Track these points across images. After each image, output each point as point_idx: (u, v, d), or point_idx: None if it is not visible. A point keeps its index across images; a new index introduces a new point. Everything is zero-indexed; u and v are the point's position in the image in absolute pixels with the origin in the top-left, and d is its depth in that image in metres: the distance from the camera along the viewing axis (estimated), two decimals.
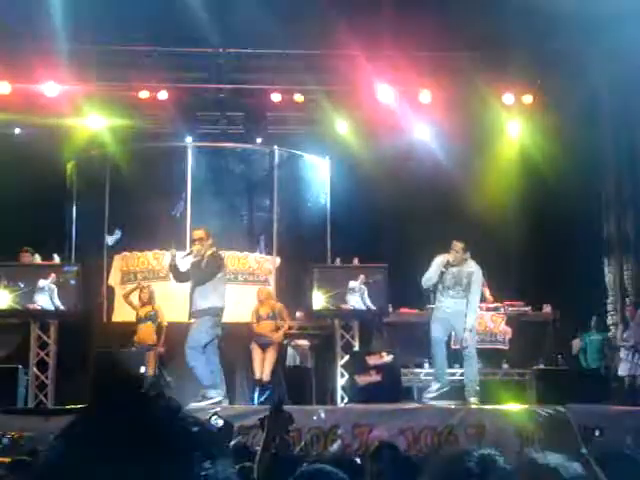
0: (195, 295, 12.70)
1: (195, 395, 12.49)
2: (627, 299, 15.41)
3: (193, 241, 13.17)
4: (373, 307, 13.78)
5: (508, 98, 16.06)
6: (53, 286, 13.58)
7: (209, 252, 12.80)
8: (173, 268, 13.19)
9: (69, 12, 14.28)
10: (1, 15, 14.30)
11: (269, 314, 13.78)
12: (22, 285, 13.79)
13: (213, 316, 12.64)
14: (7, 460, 7.96)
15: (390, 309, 14.21)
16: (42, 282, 13.58)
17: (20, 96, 16.01)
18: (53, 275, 13.70)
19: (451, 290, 12.57)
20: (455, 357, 13.38)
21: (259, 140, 17.35)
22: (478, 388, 12.42)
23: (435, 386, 12.51)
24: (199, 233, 13.07)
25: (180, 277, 13.23)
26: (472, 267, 12.65)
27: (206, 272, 12.66)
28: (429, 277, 12.65)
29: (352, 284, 13.82)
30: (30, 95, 16.04)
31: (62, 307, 13.77)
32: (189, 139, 16.91)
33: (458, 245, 12.66)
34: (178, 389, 13.56)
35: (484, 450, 2.02)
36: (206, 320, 12.59)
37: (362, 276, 13.80)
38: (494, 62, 15.27)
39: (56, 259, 14.63)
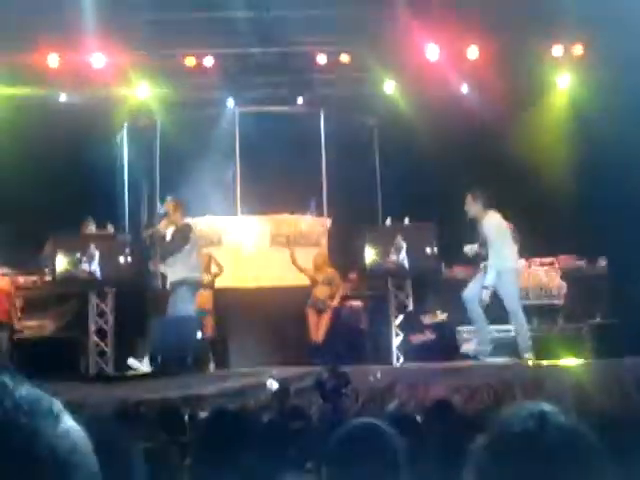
0: (167, 267, 12.91)
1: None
2: None
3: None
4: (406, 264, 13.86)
5: (557, 50, 15.87)
6: (96, 252, 13.71)
7: (178, 224, 13.13)
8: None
9: None
10: None
11: (324, 280, 13.86)
12: (78, 255, 14.00)
13: (189, 286, 12.92)
14: None
15: (443, 267, 14.22)
16: (92, 250, 13.79)
17: (68, 68, 16.09)
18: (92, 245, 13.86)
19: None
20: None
21: (304, 102, 17.22)
22: (530, 343, 12.35)
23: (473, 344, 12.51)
24: (167, 205, 13.42)
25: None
26: (485, 220, 12.51)
27: (172, 244, 12.90)
28: (466, 246, 12.69)
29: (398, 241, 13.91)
30: (78, 67, 16.13)
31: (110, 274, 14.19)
32: (233, 104, 16.99)
33: (468, 198, 12.63)
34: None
35: (544, 406, 1.97)
36: (184, 290, 12.87)
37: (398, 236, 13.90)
38: (543, 13, 14.98)
39: (110, 229, 14.90)
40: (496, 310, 12.74)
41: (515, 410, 2.05)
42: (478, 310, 12.47)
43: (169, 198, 13.65)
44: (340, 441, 3.18)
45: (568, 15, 14.64)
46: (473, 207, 12.64)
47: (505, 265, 12.53)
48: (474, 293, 12.44)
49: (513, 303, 12.46)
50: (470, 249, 12.76)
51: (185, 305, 12.97)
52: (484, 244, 12.53)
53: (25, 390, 1.38)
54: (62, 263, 14.13)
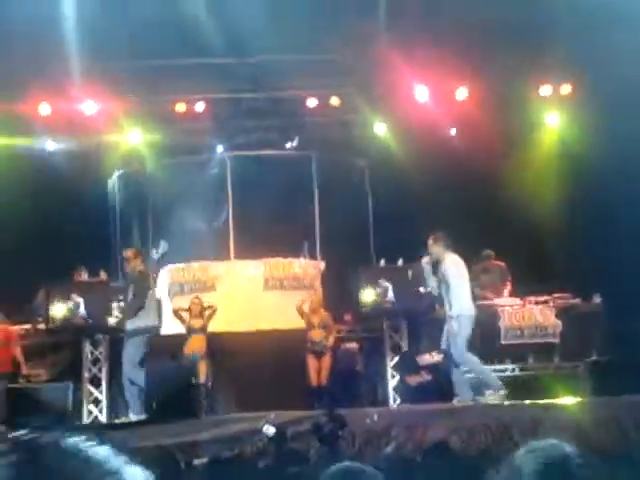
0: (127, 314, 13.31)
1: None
2: None
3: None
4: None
5: (545, 89, 16.06)
6: (79, 299, 13.74)
7: (136, 272, 13.28)
8: None
9: (101, 31, 14.33)
10: (35, 38, 14.40)
11: (320, 323, 13.93)
12: (71, 304, 14.04)
13: (142, 335, 13.17)
14: None
15: (437, 307, 14.25)
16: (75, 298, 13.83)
17: (60, 116, 16.24)
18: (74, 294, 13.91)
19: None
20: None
21: (295, 145, 17.33)
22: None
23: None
24: (127, 253, 13.58)
25: None
26: (445, 261, 12.53)
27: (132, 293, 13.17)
28: (429, 285, 12.71)
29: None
30: (70, 114, 16.28)
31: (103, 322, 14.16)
32: (222, 149, 17.17)
33: (430, 240, 12.67)
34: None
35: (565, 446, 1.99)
36: (137, 339, 13.11)
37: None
38: (530, 53, 15.12)
39: (102, 275, 14.85)
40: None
41: (530, 449, 2.05)
42: (472, 358, 12.51)
43: (127, 249, 13.88)
44: None
45: (556, 55, 14.91)
46: (434, 249, 12.66)
47: (463, 311, 12.53)
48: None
49: (463, 347, 12.42)
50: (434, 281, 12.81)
51: (139, 350, 13.24)
52: (441, 285, 12.57)
53: (94, 450, 1.56)
54: (55, 311, 14.13)
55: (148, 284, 13.48)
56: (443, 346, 12.63)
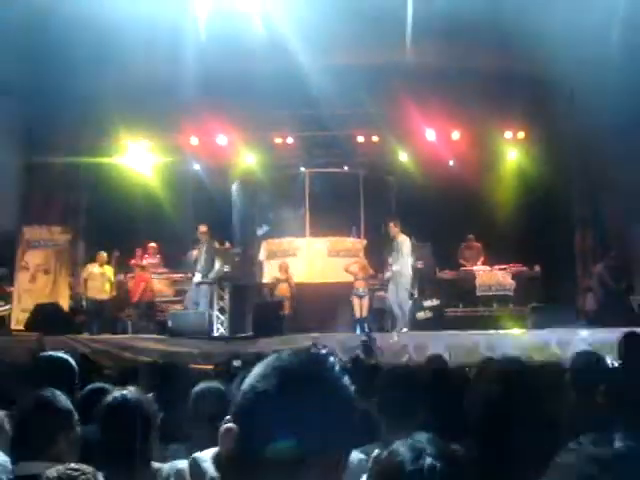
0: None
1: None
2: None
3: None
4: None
5: (507, 134, 15.95)
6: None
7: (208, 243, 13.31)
8: None
9: (230, 87, 14.17)
10: (184, 88, 14.60)
11: (363, 277, 13.97)
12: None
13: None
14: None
15: (437, 271, 14.43)
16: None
17: (202, 145, 16.43)
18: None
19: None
20: None
21: (348, 167, 17.44)
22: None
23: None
24: (202, 228, 13.43)
25: None
26: (400, 239, 12.79)
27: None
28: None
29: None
30: (209, 144, 16.41)
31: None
32: (304, 168, 17.13)
33: (391, 224, 12.97)
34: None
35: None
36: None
37: None
38: (499, 109, 14.92)
39: (227, 244, 15.09)
40: None
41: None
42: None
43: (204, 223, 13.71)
44: None
45: (516, 110, 14.67)
46: (394, 229, 12.84)
47: (404, 269, 12.76)
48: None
49: (403, 294, 12.75)
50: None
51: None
52: (394, 254, 12.76)
53: None
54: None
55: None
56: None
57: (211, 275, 13.48)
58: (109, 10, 11.62)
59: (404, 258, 12.76)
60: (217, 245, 14.62)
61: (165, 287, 14.74)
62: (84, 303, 13.94)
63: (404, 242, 12.81)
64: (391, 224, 12.94)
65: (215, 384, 3.71)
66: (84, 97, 14.05)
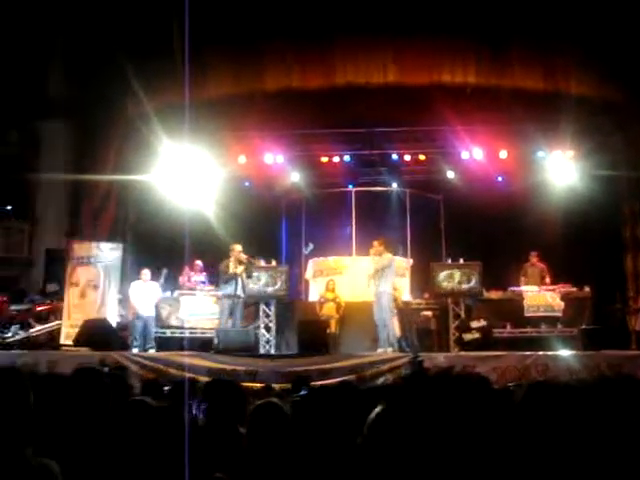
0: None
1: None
2: None
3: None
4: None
5: (557, 153, 15.56)
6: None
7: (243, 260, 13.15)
8: None
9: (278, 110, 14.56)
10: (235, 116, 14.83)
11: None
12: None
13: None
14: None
15: (483, 291, 14.28)
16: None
17: (250, 163, 16.54)
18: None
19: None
20: None
21: (396, 185, 17.46)
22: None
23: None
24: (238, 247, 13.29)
25: None
26: (384, 256, 12.62)
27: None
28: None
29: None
30: (255, 163, 16.53)
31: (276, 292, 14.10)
32: (351, 187, 17.22)
33: (376, 242, 12.79)
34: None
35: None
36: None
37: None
38: (546, 128, 14.94)
39: (273, 262, 15.07)
40: None
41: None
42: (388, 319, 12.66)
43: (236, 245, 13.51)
44: None
45: (564, 128, 14.45)
46: (378, 248, 12.70)
47: (388, 289, 12.64)
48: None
49: (387, 314, 12.58)
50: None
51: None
52: (380, 274, 12.56)
53: None
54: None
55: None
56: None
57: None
58: None
59: (389, 278, 12.68)
60: (263, 263, 14.68)
61: (211, 304, 14.80)
62: (132, 319, 14.06)
63: (390, 261, 12.73)
64: (375, 243, 12.81)
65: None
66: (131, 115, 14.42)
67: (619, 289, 15.09)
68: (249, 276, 13.39)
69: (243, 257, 13.27)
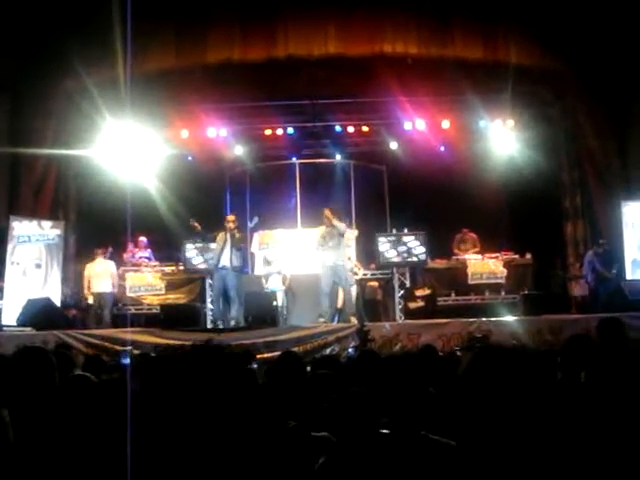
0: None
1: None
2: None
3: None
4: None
5: (497, 122, 15.85)
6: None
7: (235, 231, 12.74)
8: None
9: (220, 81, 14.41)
10: (178, 86, 14.63)
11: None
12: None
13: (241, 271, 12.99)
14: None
15: (428, 260, 14.34)
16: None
17: (192, 138, 16.44)
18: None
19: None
20: None
21: (340, 157, 17.50)
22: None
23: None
24: (231, 218, 12.93)
25: None
26: (335, 224, 12.51)
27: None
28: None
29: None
30: (198, 137, 16.44)
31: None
32: (295, 159, 17.19)
33: (327, 210, 12.65)
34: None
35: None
36: (239, 274, 12.76)
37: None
38: (487, 99, 15.06)
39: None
40: None
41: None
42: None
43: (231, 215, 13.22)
44: None
45: (504, 98, 14.65)
46: (329, 217, 12.62)
47: (343, 261, 12.71)
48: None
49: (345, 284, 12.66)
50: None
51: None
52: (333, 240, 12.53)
53: None
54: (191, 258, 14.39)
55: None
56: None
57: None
58: None
59: (342, 248, 12.68)
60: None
61: (156, 280, 14.70)
62: (90, 300, 13.97)
63: (341, 230, 12.67)
64: (326, 211, 12.71)
65: None
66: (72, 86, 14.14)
67: (560, 256, 15.45)
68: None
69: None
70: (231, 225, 12.76)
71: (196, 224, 12.89)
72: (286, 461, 2.72)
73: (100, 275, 13.91)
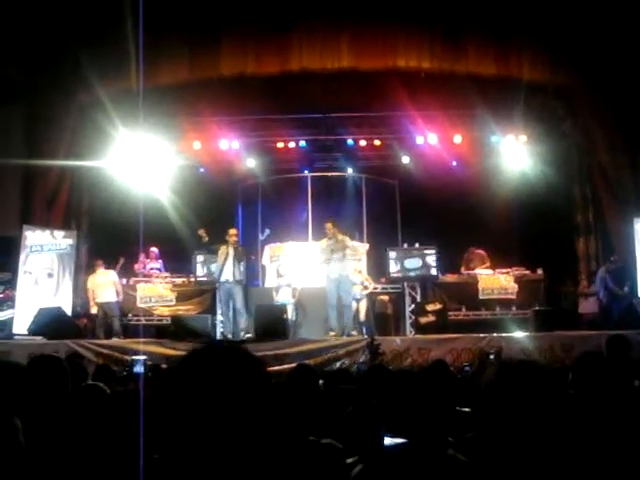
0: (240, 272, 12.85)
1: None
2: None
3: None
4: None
5: (510, 137, 15.79)
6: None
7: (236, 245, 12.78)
8: None
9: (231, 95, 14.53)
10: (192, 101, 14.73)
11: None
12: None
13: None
14: None
15: (439, 274, 14.37)
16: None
17: (205, 150, 16.47)
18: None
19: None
20: None
21: (352, 170, 17.46)
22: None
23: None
24: (233, 231, 12.97)
25: None
26: (339, 238, 12.52)
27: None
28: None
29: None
30: (211, 149, 16.47)
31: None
32: (307, 172, 17.18)
33: (329, 224, 12.66)
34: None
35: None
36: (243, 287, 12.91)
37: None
38: (499, 114, 15.08)
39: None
40: None
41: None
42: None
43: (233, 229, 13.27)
44: None
45: (517, 113, 14.72)
46: (331, 230, 12.63)
47: (350, 273, 12.79)
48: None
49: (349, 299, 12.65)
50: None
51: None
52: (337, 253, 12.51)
53: None
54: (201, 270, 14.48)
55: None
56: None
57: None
58: None
59: (347, 261, 12.69)
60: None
61: (167, 291, 14.72)
62: (94, 310, 14.02)
63: (347, 243, 12.71)
64: (328, 225, 12.72)
65: None
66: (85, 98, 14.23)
67: (571, 272, 15.39)
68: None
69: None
70: (233, 239, 12.83)
71: (204, 234, 12.93)
72: (299, 473, 2.70)
73: (102, 285, 13.98)
